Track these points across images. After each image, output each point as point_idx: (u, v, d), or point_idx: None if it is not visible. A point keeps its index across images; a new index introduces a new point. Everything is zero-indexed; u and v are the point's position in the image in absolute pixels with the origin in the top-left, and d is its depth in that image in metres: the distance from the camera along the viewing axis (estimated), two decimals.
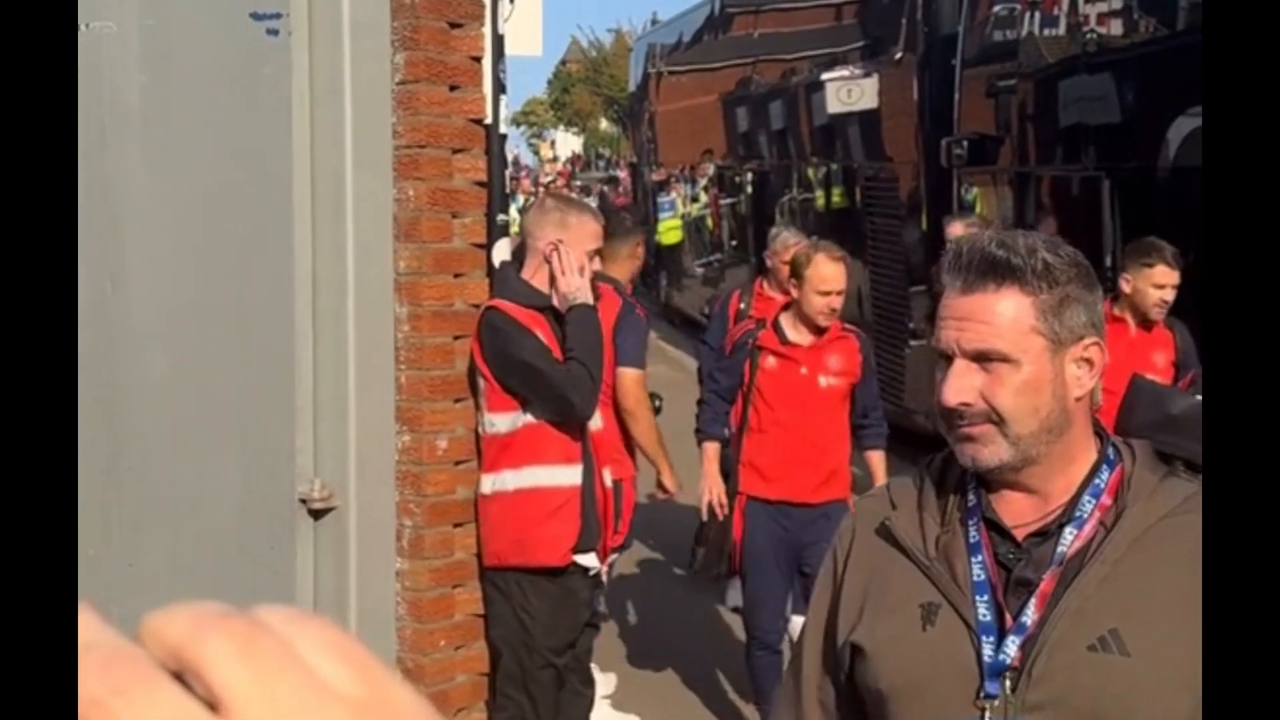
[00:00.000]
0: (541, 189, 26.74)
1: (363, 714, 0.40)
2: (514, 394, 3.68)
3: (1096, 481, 1.63)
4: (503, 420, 3.72)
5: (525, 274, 3.79)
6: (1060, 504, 1.63)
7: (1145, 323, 4.91)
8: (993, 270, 1.57)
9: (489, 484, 3.73)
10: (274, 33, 3.45)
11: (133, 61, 3.80)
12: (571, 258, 3.71)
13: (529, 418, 3.70)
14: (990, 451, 1.57)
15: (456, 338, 3.64)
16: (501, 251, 3.87)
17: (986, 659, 1.57)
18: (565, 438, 3.76)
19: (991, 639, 1.58)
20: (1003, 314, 1.56)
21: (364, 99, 3.49)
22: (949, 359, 1.58)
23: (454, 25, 3.54)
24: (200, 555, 3.79)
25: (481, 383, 3.70)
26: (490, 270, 3.81)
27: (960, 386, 1.56)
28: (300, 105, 3.48)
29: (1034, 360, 1.57)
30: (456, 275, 3.62)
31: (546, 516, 3.73)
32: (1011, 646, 1.57)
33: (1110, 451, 1.65)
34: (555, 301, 3.74)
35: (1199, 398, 3.92)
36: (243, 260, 3.65)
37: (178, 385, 3.83)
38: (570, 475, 3.78)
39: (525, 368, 3.65)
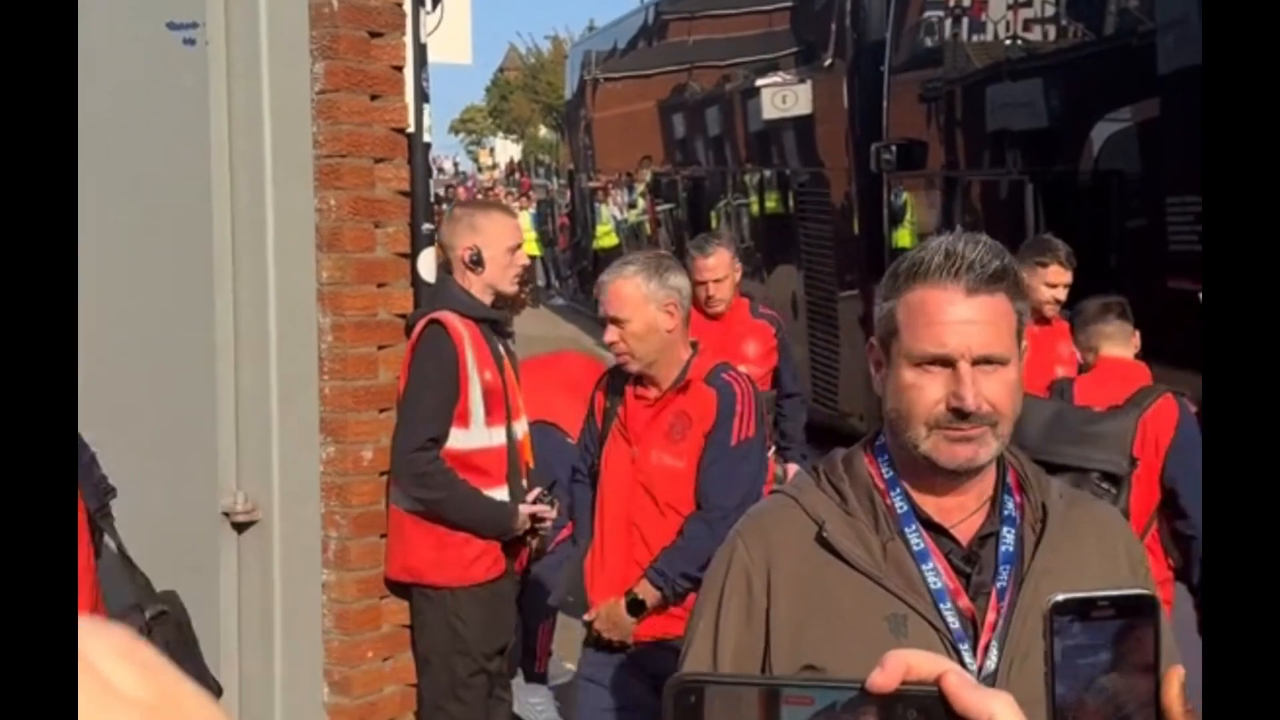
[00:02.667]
0: (480, 196, 26.67)
1: (151, 716, 0.42)
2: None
3: (1006, 480, 1.68)
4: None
5: (460, 282, 3.74)
6: (981, 503, 1.66)
7: (1042, 319, 4.88)
8: (994, 275, 1.59)
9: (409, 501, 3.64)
10: (190, 43, 3.42)
11: None
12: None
13: (461, 436, 3.63)
14: (985, 451, 1.60)
15: (381, 348, 3.62)
16: (428, 261, 3.86)
17: (970, 666, 1.56)
18: (496, 456, 3.70)
19: (966, 645, 1.58)
20: (1002, 317, 1.61)
21: (283, 109, 3.46)
22: (948, 362, 1.58)
23: (374, 34, 3.53)
24: None
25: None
26: (415, 279, 3.79)
27: (979, 390, 1.57)
28: (218, 115, 3.46)
29: (1016, 362, 1.62)
30: (380, 285, 3.61)
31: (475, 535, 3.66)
32: (993, 651, 1.58)
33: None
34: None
35: (1049, 400, 3.93)
36: (162, 272, 3.61)
37: (96, 399, 3.78)
38: (500, 494, 3.73)
39: (413, 404, 3.56)
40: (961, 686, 0.62)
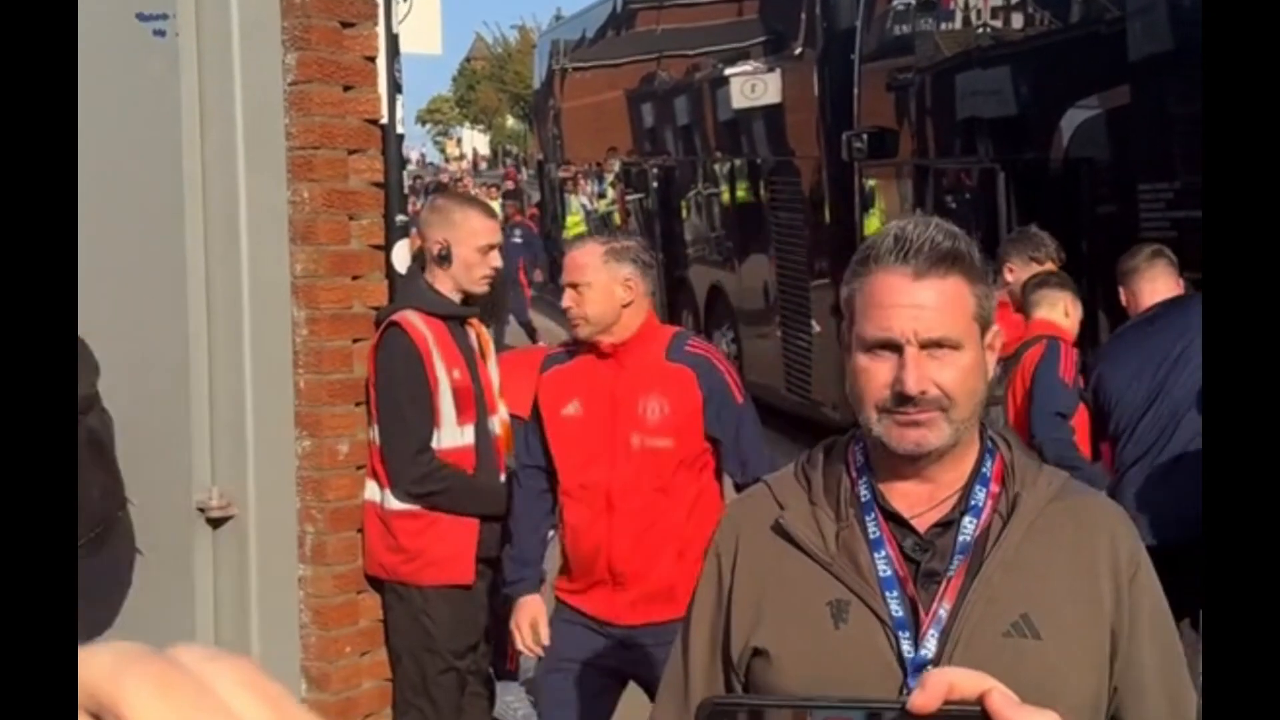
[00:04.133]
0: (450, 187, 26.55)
1: None
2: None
3: (984, 471, 1.67)
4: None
5: (428, 277, 3.68)
6: (952, 493, 1.65)
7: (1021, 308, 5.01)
8: (944, 258, 1.58)
9: (391, 502, 3.60)
10: (161, 33, 3.38)
11: None
12: None
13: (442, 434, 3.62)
14: (935, 435, 1.59)
15: (356, 341, 3.60)
16: (401, 253, 3.83)
17: (907, 655, 1.57)
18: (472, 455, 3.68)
19: (908, 634, 1.58)
20: (954, 301, 1.59)
21: (255, 100, 3.43)
22: (895, 346, 1.58)
23: (346, 25, 3.50)
24: None
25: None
26: (390, 272, 3.76)
27: (921, 375, 1.56)
28: (190, 107, 3.42)
29: (974, 346, 1.61)
30: (355, 278, 3.58)
31: (450, 534, 3.62)
32: (931, 641, 1.57)
33: (989, 441, 1.69)
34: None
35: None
36: (135, 265, 3.57)
37: None
38: None
39: (394, 412, 3.54)
40: (1005, 705, 0.61)
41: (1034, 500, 1.64)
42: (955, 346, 1.58)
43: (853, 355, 1.63)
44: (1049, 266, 4.96)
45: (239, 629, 3.56)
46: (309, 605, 3.59)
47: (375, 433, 3.61)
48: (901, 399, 1.57)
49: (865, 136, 8.44)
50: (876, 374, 1.59)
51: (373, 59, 3.60)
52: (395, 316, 3.54)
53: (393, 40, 3.79)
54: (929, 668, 1.53)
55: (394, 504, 3.58)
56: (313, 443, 3.54)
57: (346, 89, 3.52)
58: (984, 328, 1.63)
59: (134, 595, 3.63)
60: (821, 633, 1.60)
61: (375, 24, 3.60)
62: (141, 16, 3.41)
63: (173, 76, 3.40)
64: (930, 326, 1.57)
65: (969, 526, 1.62)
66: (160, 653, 0.42)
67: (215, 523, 3.52)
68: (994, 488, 1.66)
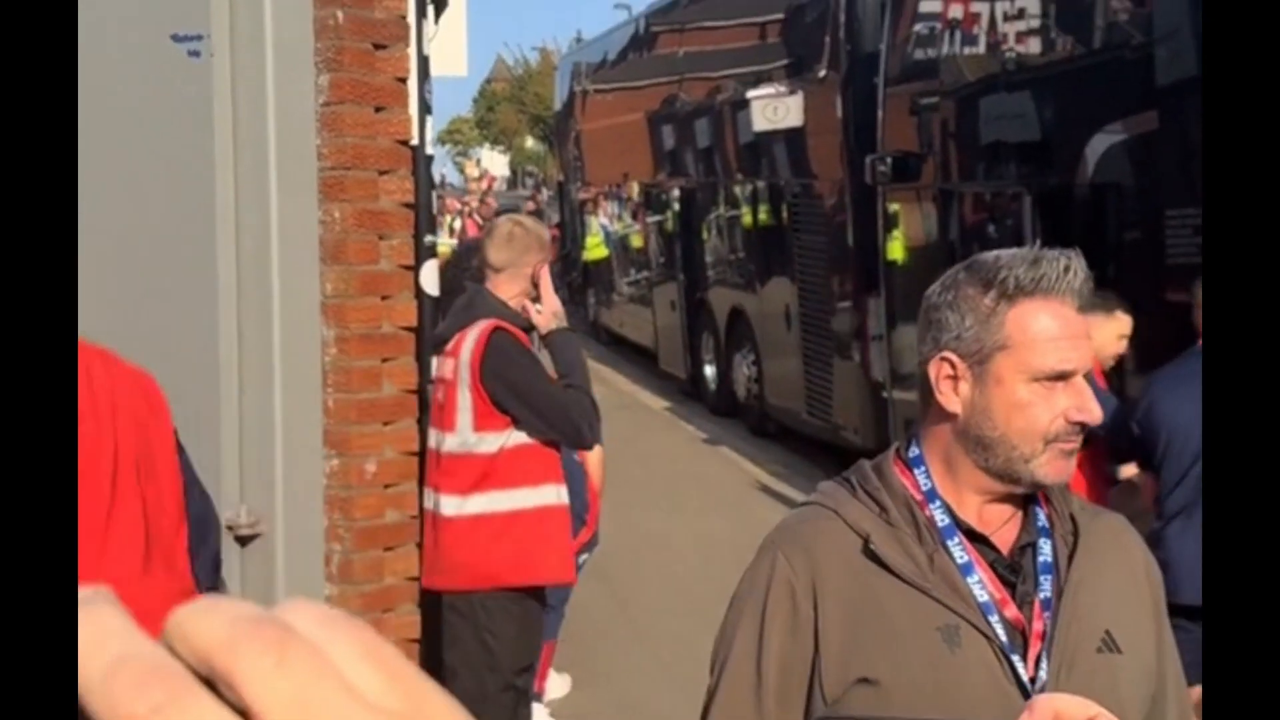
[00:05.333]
0: (467, 208, 26.63)
1: None
2: (508, 415, 3.80)
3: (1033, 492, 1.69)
4: (491, 440, 3.81)
5: (502, 296, 3.92)
6: (1012, 513, 1.66)
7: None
8: (1089, 292, 1.63)
9: (475, 505, 3.80)
10: (195, 54, 3.41)
11: None
12: (549, 280, 4.00)
13: (520, 437, 3.81)
14: (1074, 463, 1.63)
15: (384, 360, 3.61)
16: (430, 273, 3.85)
17: (1022, 676, 1.56)
18: (551, 456, 3.89)
19: (1017, 655, 1.57)
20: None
21: (288, 121, 3.45)
22: (1064, 376, 1.59)
23: (378, 46, 3.52)
24: None
25: (465, 400, 3.78)
26: (419, 292, 3.78)
27: (1097, 405, 1.61)
28: (223, 127, 3.44)
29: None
30: (384, 298, 3.60)
31: (553, 534, 3.86)
32: (1039, 661, 1.57)
33: None
34: (538, 323, 3.93)
35: None
36: (166, 284, 3.59)
37: None
38: (560, 493, 3.91)
39: (537, 395, 3.80)
40: None
41: (1084, 519, 1.68)
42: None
43: (1002, 386, 1.60)
44: (1126, 320, 4.73)
45: None
46: None
47: (444, 439, 3.83)
48: (1079, 428, 1.59)
49: (889, 160, 8.43)
50: (1049, 404, 1.58)
51: (404, 80, 3.62)
52: (492, 323, 3.82)
53: (423, 62, 3.82)
54: (1039, 690, 1.56)
55: (472, 508, 3.79)
56: (340, 461, 3.55)
57: (378, 110, 3.54)
58: None
59: None
60: (936, 659, 1.57)
61: (406, 46, 3.62)
62: (176, 37, 3.44)
63: (206, 97, 3.42)
64: (1088, 358, 1.64)
65: (1045, 547, 1.65)
66: (274, 617, 0.40)
67: (243, 540, 3.53)
68: (1046, 508, 1.69)
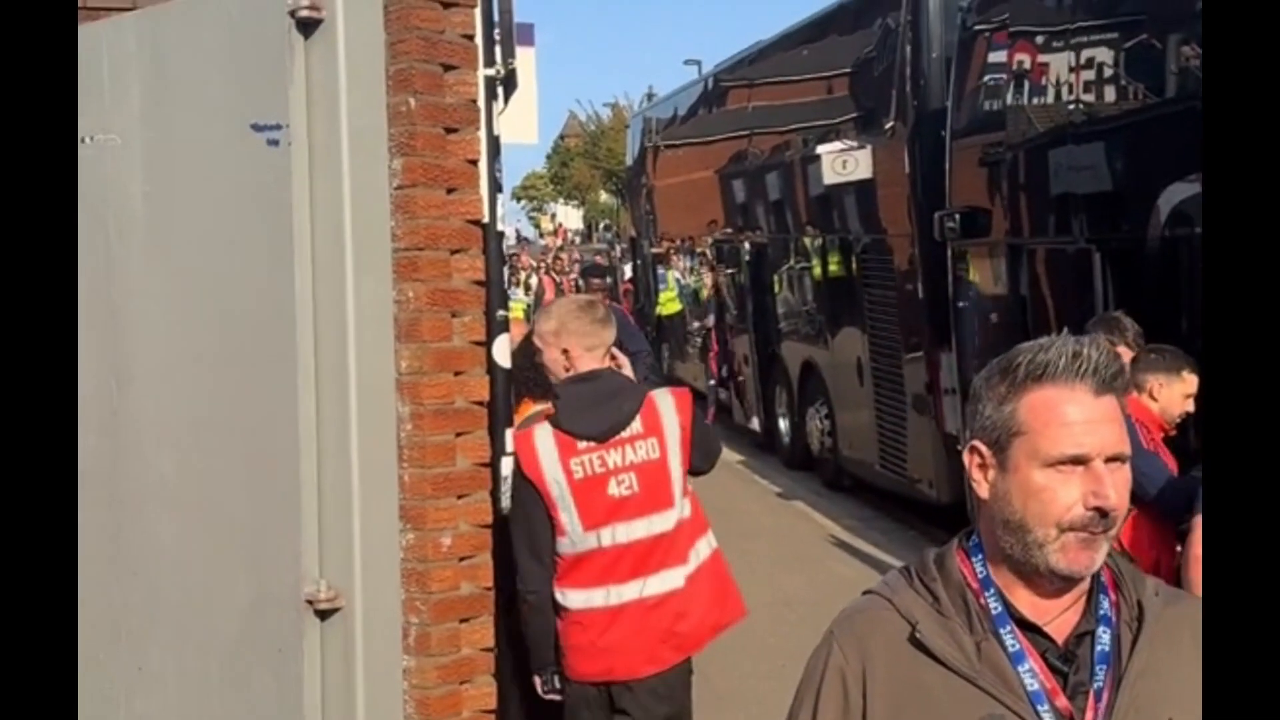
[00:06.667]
0: (543, 264, 26.87)
1: None
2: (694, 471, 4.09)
3: (1100, 578, 1.69)
4: (687, 501, 4.05)
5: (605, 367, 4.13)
6: (1076, 600, 1.66)
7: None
8: (1115, 376, 1.63)
9: (693, 563, 4.05)
10: (274, 143, 3.53)
11: (136, 172, 3.89)
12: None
13: (689, 486, 4.08)
14: (1102, 555, 1.61)
15: (458, 434, 3.68)
16: (501, 348, 3.92)
17: None
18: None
19: None
20: (1120, 418, 1.63)
21: (363, 204, 3.56)
22: (1081, 461, 1.59)
23: (450, 130, 3.62)
24: (207, 658, 3.81)
25: (677, 471, 4.01)
26: (490, 366, 3.85)
27: (1119, 491, 1.59)
28: (300, 212, 3.55)
29: (1126, 462, 1.64)
30: (457, 373, 3.67)
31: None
32: None
33: None
34: None
35: None
36: (247, 363, 3.71)
37: (183, 488, 3.88)
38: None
39: (714, 438, 4.23)
40: None
41: (1154, 607, 1.66)
42: (1125, 460, 1.62)
43: (1019, 472, 1.62)
44: (1123, 351, 4.79)
45: (345, 718, 3.62)
46: (413, 696, 3.65)
47: (655, 521, 3.99)
48: (1098, 514, 1.58)
49: (958, 216, 8.42)
50: (1061, 490, 1.59)
51: (475, 162, 3.71)
52: (674, 390, 4.15)
53: (494, 142, 3.90)
54: None
55: (692, 567, 4.10)
56: (416, 535, 3.62)
57: (450, 191, 3.63)
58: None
59: (242, 686, 3.72)
60: None
61: (477, 129, 3.71)
62: (256, 127, 3.57)
63: (285, 183, 3.54)
64: (1115, 443, 1.61)
65: (1105, 636, 1.64)
66: None
67: (323, 614, 3.60)
68: (1113, 595, 1.68)
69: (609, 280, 13.68)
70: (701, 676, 6.63)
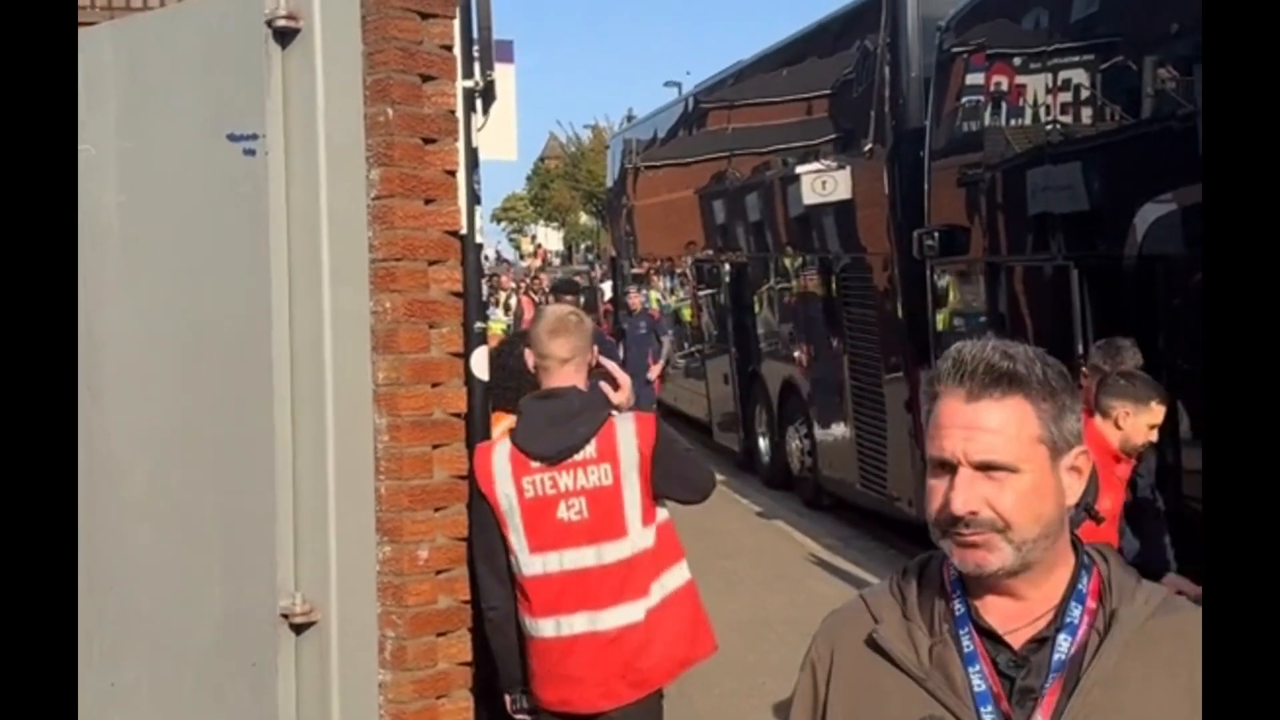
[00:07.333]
0: (522, 285, 26.89)
1: None
2: (662, 498, 3.86)
3: (1080, 587, 1.66)
4: (650, 530, 3.83)
5: (577, 385, 3.91)
6: (1046, 609, 1.65)
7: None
8: (999, 379, 1.60)
9: (655, 597, 3.83)
10: (251, 153, 3.52)
11: (111, 182, 3.87)
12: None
13: (664, 514, 3.88)
14: (996, 557, 1.59)
15: (435, 446, 3.66)
16: (479, 360, 3.90)
17: None
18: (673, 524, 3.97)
19: None
20: (1009, 423, 1.59)
21: (340, 214, 3.54)
22: (951, 467, 1.60)
23: (428, 141, 3.61)
24: (182, 672, 3.78)
25: (634, 498, 3.78)
26: (468, 378, 3.83)
27: (969, 496, 1.58)
28: (277, 222, 3.54)
29: (1037, 469, 1.60)
30: (434, 385, 3.65)
31: (698, 600, 4.00)
32: None
33: (1085, 557, 1.69)
34: (619, 402, 3.97)
35: None
36: (221, 375, 3.68)
37: (157, 500, 3.84)
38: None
39: (693, 465, 3.91)
40: None
41: (1132, 617, 1.63)
42: (1011, 469, 1.59)
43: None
44: (1160, 410, 4.62)
45: None
46: (388, 710, 3.62)
47: (606, 550, 3.78)
48: (953, 519, 1.59)
49: (936, 234, 8.46)
50: (935, 493, 1.62)
51: (453, 173, 3.71)
52: (639, 415, 3.91)
53: (472, 154, 3.90)
54: None
55: (655, 601, 3.85)
56: (393, 548, 3.59)
57: (428, 202, 3.62)
58: (1055, 448, 1.62)
59: (217, 700, 3.68)
60: None
61: (455, 140, 3.71)
62: (232, 137, 3.55)
63: (261, 193, 3.52)
64: (982, 449, 1.58)
65: (1064, 644, 1.62)
66: None
67: (298, 628, 3.57)
68: (1091, 604, 1.65)
69: (581, 299, 13.61)
70: (681, 695, 6.61)
